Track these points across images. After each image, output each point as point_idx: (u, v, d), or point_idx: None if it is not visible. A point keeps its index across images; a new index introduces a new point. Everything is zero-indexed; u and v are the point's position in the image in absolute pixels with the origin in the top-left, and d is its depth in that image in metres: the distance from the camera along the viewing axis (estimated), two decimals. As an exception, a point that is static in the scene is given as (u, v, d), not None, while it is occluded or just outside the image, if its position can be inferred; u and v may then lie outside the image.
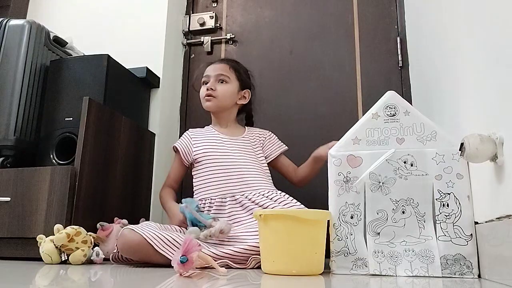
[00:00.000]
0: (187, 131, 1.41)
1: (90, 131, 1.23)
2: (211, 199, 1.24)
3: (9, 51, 1.35)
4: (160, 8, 1.75)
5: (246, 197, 1.21)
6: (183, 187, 1.53)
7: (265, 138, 1.40)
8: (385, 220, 0.87)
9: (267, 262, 0.88)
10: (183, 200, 1.14)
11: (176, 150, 1.37)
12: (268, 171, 1.34)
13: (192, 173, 1.33)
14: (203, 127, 1.42)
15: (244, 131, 1.40)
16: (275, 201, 1.20)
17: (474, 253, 0.81)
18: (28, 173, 1.19)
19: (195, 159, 1.32)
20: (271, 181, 1.32)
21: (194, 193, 1.30)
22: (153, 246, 0.96)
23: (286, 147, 1.41)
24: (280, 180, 1.38)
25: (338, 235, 0.89)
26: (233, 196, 1.22)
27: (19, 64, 1.34)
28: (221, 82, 1.36)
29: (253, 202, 1.20)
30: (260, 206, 1.18)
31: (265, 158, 1.37)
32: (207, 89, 1.34)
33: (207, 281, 0.74)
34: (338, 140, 0.96)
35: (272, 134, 1.44)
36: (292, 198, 1.22)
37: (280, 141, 1.42)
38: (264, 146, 1.39)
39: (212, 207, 1.23)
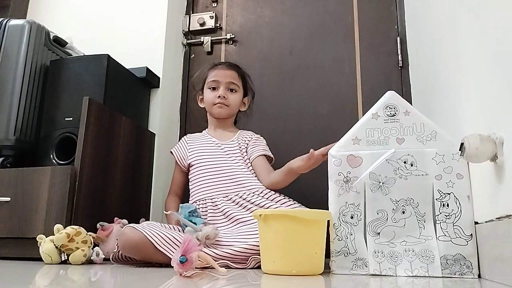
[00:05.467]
0: (184, 137, 1.45)
1: (90, 131, 1.23)
2: (205, 200, 1.26)
3: (9, 51, 1.35)
4: (160, 8, 1.75)
5: (241, 197, 1.22)
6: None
7: (251, 139, 1.39)
8: (385, 220, 0.87)
9: (267, 262, 0.88)
10: (180, 205, 1.16)
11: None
12: None
13: (188, 177, 1.35)
14: (201, 131, 1.45)
15: (235, 134, 1.41)
16: (272, 200, 1.21)
17: (474, 253, 0.81)
18: (28, 173, 1.19)
19: (190, 164, 1.35)
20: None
21: (190, 196, 1.32)
22: (154, 244, 0.96)
23: (269, 153, 1.37)
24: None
25: (338, 235, 0.89)
26: (227, 196, 1.24)
27: (19, 64, 1.34)
28: (231, 91, 1.38)
29: (249, 201, 1.21)
30: (257, 205, 1.19)
31: (248, 161, 1.34)
32: (219, 97, 1.36)
33: (207, 281, 0.74)
34: (337, 140, 0.96)
35: (260, 138, 1.42)
36: (289, 197, 1.23)
37: (265, 146, 1.38)
38: (248, 147, 1.37)
39: (207, 208, 1.24)
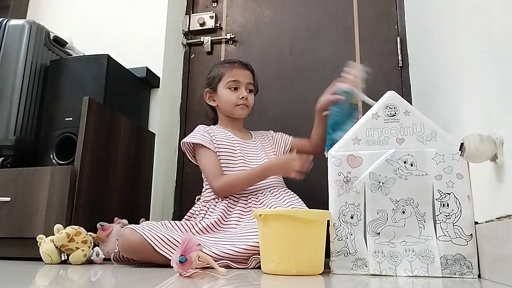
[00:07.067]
0: (200, 126, 1.35)
1: (90, 131, 1.23)
2: (222, 199, 1.22)
3: (9, 51, 1.35)
4: (160, 8, 1.75)
5: (258, 200, 1.21)
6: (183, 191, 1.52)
7: (273, 136, 1.44)
8: (385, 220, 0.87)
9: (267, 262, 0.88)
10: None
11: (194, 145, 1.30)
12: None
13: None
14: (209, 126, 1.40)
15: (252, 135, 1.42)
16: (276, 198, 1.20)
17: (474, 253, 0.81)
18: (28, 173, 1.19)
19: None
20: (283, 180, 1.31)
21: (204, 190, 1.29)
22: (153, 246, 0.96)
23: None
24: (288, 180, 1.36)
25: (338, 235, 0.89)
26: (246, 198, 1.22)
27: (19, 64, 1.34)
28: (249, 91, 1.38)
29: (261, 203, 1.20)
30: (261, 203, 1.18)
31: (283, 152, 1.39)
32: (242, 98, 1.34)
33: (207, 281, 0.74)
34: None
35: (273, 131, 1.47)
36: (297, 197, 1.22)
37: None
38: (276, 143, 1.41)
39: (218, 206, 1.21)
